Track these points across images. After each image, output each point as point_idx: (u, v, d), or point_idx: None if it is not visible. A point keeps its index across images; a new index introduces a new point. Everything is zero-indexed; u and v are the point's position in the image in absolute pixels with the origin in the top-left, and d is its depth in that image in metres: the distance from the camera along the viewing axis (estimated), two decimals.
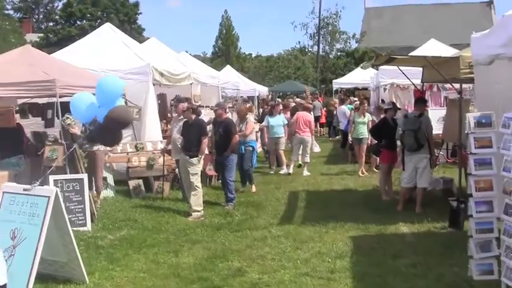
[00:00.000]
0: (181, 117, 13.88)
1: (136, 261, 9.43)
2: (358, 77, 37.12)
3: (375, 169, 18.17)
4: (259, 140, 20.38)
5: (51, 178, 11.34)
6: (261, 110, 29.53)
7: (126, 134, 16.37)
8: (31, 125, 15.38)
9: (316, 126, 29.32)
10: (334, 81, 45.45)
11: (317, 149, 23.69)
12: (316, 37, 60.25)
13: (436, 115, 16.60)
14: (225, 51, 79.00)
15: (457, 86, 12.35)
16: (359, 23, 71.92)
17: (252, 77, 50.70)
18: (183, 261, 9.44)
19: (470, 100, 14.91)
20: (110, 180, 14.99)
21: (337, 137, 29.36)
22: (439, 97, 22.41)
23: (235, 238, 10.86)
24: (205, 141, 12.99)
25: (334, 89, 44.78)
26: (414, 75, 15.61)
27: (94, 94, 9.55)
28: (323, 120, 34.91)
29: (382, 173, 14.56)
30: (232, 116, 20.32)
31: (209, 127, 15.57)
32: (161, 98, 19.24)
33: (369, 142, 18.08)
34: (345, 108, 24.35)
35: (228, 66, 38.56)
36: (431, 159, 12.77)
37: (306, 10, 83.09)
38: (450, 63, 11.43)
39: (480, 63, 8.49)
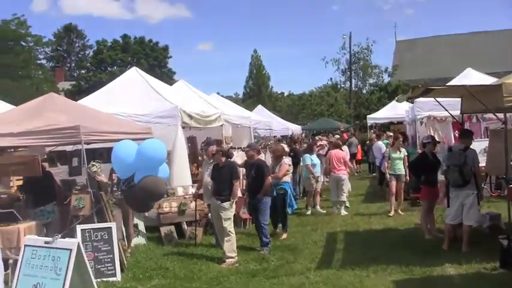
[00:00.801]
0: (212, 160, 13.42)
1: None
2: (393, 111, 36.41)
3: (400, 211, 17.47)
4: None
5: (79, 228, 11.03)
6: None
7: None
8: (60, 173, 15.07)
9: (352, 163, 28.56)
10: (368, 116, 44.74)
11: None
12: (348, 73, 59.59)
13: (477, 147, 15.89)
14: (256, 91, 78.83)
15: (500, 115, 11.70)
16: (390, 56, 71.13)
17: (284, 115, 50.34)
18: None
19: None
20: (141, 227, 14.54)
21: (374, 174, 28.62)
22: (479, 128, 21.62)
23: (271, 286, 10.28)
24: (237, 184, 12.55)
25: (368, 124, 44.14)
26: (452, 106, 14.90)
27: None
28: (359, 157, 34.17)
29: (423, 211, 13.81)
30: (266, 157, 19.87)
31: (242, 170, 15.12)
32: (191, 141, 18.85)
33: (407, 178, 17.40)
34: (381, 144, 23.63)
35: (260, 106, 38.33)
36: (478, 195, 11.97)
37: (337, 46, 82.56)
38: (492, 91, 10.76)
39: None
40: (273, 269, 11.44)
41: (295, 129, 39.76)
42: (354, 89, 60.54)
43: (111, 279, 10.79)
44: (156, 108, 16.31)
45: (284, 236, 14.73)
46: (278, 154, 15.50)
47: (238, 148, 19.43)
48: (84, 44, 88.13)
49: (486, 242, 11.99)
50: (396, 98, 14.42)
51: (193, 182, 15.76)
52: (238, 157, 17.73)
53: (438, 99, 15.00)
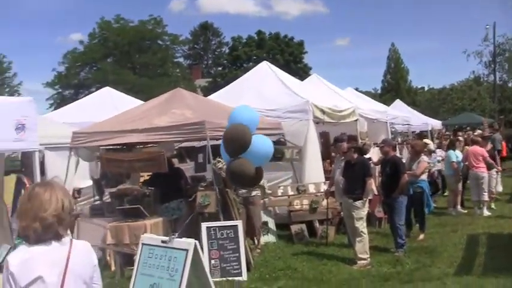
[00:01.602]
0: (343, 157, 12.85)
1: None
2: None
3: None
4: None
5: (204, 225, 10.83)
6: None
7: (287, 175, 15.62)
8: (190, 169, 15.00)
9: (496, 161, 26.87)
10: None
11: (499, 187, 20.82)
12: (492, 65, 56.93)
13: None
14: (394, 86, 76.99)
15: None
16: None
17: (424, 110, 48.72)
18: None
19: None
20: (272, 224, 14.20)
21: None
22: None
23: None
24: (370, 182, 11.94)
25: None
26: None
27: None
28: (504, 153, 32.18)
29: None
30: (402, 153, 19.05)
31: (378, 167, 14.47)
32: (324, 136, 18.26)
33: None
34: None
35: (398, 101, 37.20)
36: None
37: (478, 37, 79.42)
38: None
39: None
40: (408, 272, 10.72)
41: (435, 124, 38.16)
42: (498, 82, 57.82)
43: (236, 278, 10.46)
44: (286, 103, 15.93)
45: (421, 237, 13.89)
46: (418, 149, 14.62)
47: (374, 144, 18.67)
48: (221, 42, 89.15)
49: None
50: None
51: (326, 179, 15.15)
52: (374, 153, 17.02)
53: None
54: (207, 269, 7.37)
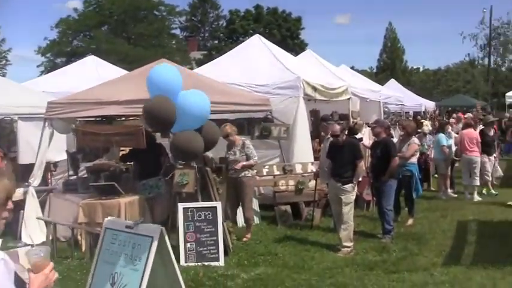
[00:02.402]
0: (328, 136, 12.23)
1: None
2: None
3: None
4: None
5: (180, 206, 10.25)
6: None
7: (273, 154, 15.00)
8: None
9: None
10: (507, 94, 41.99)
11: (499, 173, 19.65)
12: (487, 48, 56.36)
13: None
14: (390, 65, 76.31)
15: None
16: None
17: (418, 91, 48.22)
18: None
19: None
20: (255, 205, 13.54)
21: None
22: None
23: (390, 283, 8.93)
24: (361, 165, 11.16)
25: (507, 103, 41.34)
26: None
27: None
28: None
29: None
30: (394, 135, 18.48)
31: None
32: (314, 114, 17.60)
33: None
34: None
35: (392, 80, 36.69)
36: None
37: (475, 20, 78.77)
38: None
39: None
40: (394, 261, 10.12)
41: (428, 105, 37.73)
42: (492, 65, 57.28)
43: (213, 263, 9.92)
44: (277, 79, 15.25)
45: (410, 222, 13.35)
46: (409, 131, 13.88)
47: (365, 124, 18.03)
48: (218, 15, 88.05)
49: None
50: None
51: (315, 159, 14.53)
52: (366, 133, 16.44)
53: None
54: (173, 258, 6.68)
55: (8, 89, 14.75)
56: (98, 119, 13.24)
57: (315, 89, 15.52)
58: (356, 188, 11.48)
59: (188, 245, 10.08)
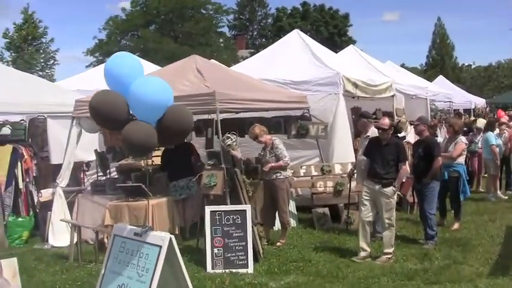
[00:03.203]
0: (367, 134, 11.51)
1: None
2: None
3: None
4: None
5: (208, 209, 9.69)
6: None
7: (312, 154, 14.38)
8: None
9: None
10: None
11: None
12: None
13: None
14: (439, 62, 74.75)
15: None
16: None
17: (468, 88, 46.96)
18: None
19: None
20: (292, 207, 12.93)
21: None
22: None
23: None
24: (405, 168, 10.26)
25: None
26: None
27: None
28: None
29: None
30: (441, 133, 17.68)
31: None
32: (355, 112, 16.87)
33: None
34: None
35: (441, 77, 35.63)
36: None
37: None
38: None
39: None
40: (436, 270, 9.33)
41: (478, 102, 36.51)
42: None
43: (241, 270, 9.35)
44: (315, 75, 14.61)
45: (456, 226, 12.53)
46: (456, 129, 13.00)
47: (409, 122, 17.24)
48: (266, 13, 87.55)
49: None
50: None
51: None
52: (411, 132, 15.64)
53: None
54: (184, 269, 6.12)
55: (39, 87, 14.45)
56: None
57: (355, 85, 14.81)
58: (397, 193, 10.78)
59: (215, 250, 9.54)
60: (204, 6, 65.30)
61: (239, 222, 9.66)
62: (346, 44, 66.56)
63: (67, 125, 12.38)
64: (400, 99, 18.18)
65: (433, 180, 11.07)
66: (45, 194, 12.26)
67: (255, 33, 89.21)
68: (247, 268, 9.43)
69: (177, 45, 59.56)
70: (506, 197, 16.19)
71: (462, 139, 12.96)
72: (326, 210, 12.84)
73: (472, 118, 25.00)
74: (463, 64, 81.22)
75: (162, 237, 6.05)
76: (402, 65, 33.56)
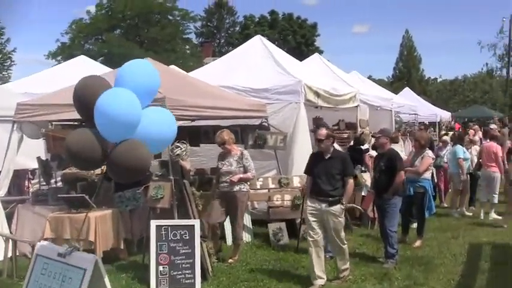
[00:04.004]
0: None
1: None
2: None
3: None
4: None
5: (153, 223, 8.99)
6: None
7: (270, 166, 13.74)
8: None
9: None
10: None
11: None
12: (506, 58, 54.84)
13: None
14: (406, 74, 75.03)
15: None
16: None
17: (434, 101, 46.91)
18: None
19: None
20: (248, 221, 12.28)
21: None
22: None
23: None
24: (351, 182, 9.31)
25: None
26: None
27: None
28: None
29: None
30: (404, 146, 17.21)
31: None
32: (317, 122, 16.28)
33: None
34: None
35: (407, 89, 35.50)
36: None
37: (494, 29, 77.41)
38: None
39: None
40: None
41: (444, 116, 36.36)
42: (511, 76, 55.67)
43: None
44: (276, 83, 14.01)
45: (418, 243, 11.98)
46: (423, 143, 12.39)
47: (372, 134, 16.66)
48: (234, 21, 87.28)
49: None
50: None
51: None
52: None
53: None
54: None
55: None
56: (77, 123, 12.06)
57: (317, 94, 14.25)
58: (358, 207, 10.18)
59: (161, 268, 8.85)
60: (170, 12, 64.63)
61: (187, 238, 8.98)
62: (313, 54, 66.69)
63: (8, 129, 11.59)
64: (364, 110, 17.73)
65: (394, 195, 10.46)
66: None
67: (222, 40, 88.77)
68: (194, 287, 8.74)
69: (142, 50, 58.73)
70: (470, 214, 15.72)
71: (429, 153, 12.40)
72: (283, 225, 12.14)
73: (443, 132, 24.54)
74: (429, 77, 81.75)
75: (87, 259, 5.41)
76: (369, 77, 33.27)
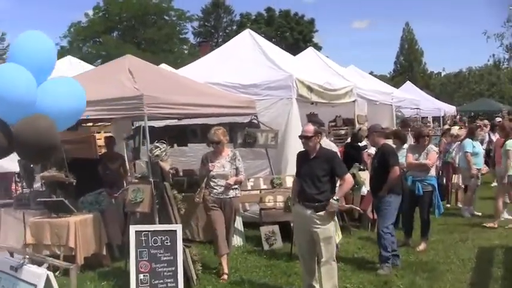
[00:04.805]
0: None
1: None
2: None
3: None
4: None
5: (132, 229, 8.34)
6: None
7: (262, 165, 13.07)
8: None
9: None
10: None
11: None
12: None
13: None
14: (407, 68, 74.37)
15: None
16: None
17: (438, 95, 46.21)
18: None
19: None
20: (239, 224, 11.68)
21: None
22: None
23: None
24: (348, 178, 8.05)
25: None
26: None
27: None
28: None
29: None
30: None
31: None
32: (310, 119, 15.60)
33: None
34: None
35: (408, 83, 34.77)
36: None
37: (500, 19, 76.76)
38: None
39: None
40: None
41: (448, 110, 35.62)
42: None
43: None
44: (266, 78, 13.36)
45: (422, 246, 11.14)
46: (422, 137, 11.48)
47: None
48: (232, 20, 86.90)
49: None
50: None
51: None
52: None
53: None
54: None
55: None
56: None
57: (310, 89, 13.56)
58: (357, 208, 9.50)
59: (141, 276, 8.20)
60: (166, 13, 64.70)
61: (168, 244, 8.33)
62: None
63: None
64: (362, 105, 17.08)
65: (389, 193, 9.66)
66: None
67: (220, 40, 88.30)
68: None
69: (139, 51, 58.51)
70: (480, 213, 14.76)
71: (433, 147, 11.69)
72: (276, 228, 11.47)
73: (446, 127, 23.63)
74: (432, 72, 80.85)
75: (38, 274, 4.84)
76: (370, 73, 32.60)
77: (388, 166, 9.59)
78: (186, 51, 66.70)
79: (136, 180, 9.23)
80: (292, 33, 70.13)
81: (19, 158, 11.49)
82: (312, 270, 8.15)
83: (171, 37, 64.08)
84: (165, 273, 8.28)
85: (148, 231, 8.37)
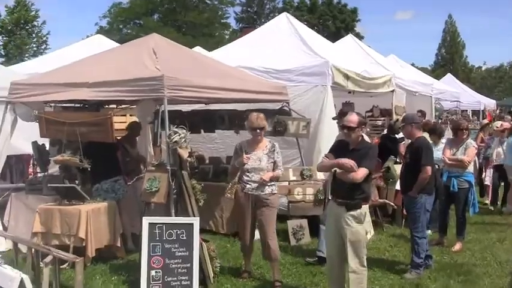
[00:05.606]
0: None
1: None
2: None
3: None
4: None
5: (146, 221, 7.75)
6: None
7: (294, 155, 12.43)
8: None
9: None
10: None
11: None
12: None
13: None
14: (448, 60, 73.01)
15: None
16: None
17: (478, 89, 45.20)
18: None
19: None
20: None
21: None
22: None
23: None
24: (363, 169, 6.99)
25: None
26: None
27: None
28: None
29: None
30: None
31: None
32: (347, 108, 14.93)
33: None
34: None
35: (449, 75, 33.86)
36: None
37: None
38: None
39: None
40: None
41: (488, 103, 34.66)
42: None
43: None
44: (300, 63, 12.75)
45: (457, 246, 10.43)
46: (460, 131, 10.68)
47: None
48: (275, 6, 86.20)
49: None
50: None
51: None
52: None
53: None
54: None
55: None
56: (79, 105, 10.97)
57: (347, 77, 12.91)
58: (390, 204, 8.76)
59: (153, 272, 7.62)
60: None
61: (184, 238, 7.75)
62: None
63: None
64: (401, 95, 16.38)
65: (420, 193, 8.81)
66: None
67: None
68: None
69: (179, 34, 58.18)
70: None
71: (472, 143, 10.92)
72: (304, 222, 10.90)
73: (485, 121, 22.59)
74: (473, 66, 79.38)
75: (11, 277, 4.24)
76: (412, 65, 31.84)
77: (421, 162, 8.78)
78: (227, 36, 66.07)
79: (153, 168, 8.63)
80: (334, 22, 69.50)
81: (34, 140, 11.10)
82: (339, 280, 7.34)
83: (212, 21, 63.78)
84: (179, 270, 7.70)
85: (163, 223, 7.78)
